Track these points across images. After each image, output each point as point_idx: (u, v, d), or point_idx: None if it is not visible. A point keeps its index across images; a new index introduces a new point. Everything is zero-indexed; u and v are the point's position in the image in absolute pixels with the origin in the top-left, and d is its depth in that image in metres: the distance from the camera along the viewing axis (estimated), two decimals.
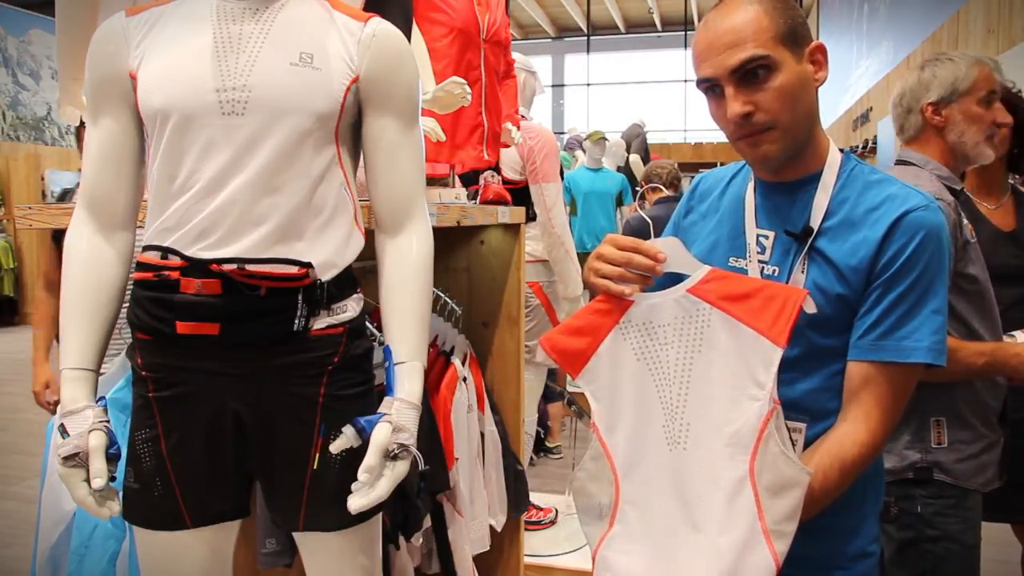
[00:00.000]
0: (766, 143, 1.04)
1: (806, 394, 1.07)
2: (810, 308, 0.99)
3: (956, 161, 1.60)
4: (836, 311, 1.05)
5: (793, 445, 1.06)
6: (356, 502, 1.13)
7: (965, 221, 1.52)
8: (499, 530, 2.10)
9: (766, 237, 1.12)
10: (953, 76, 1.57)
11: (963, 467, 1.50)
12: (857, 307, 1.04)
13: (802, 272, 1.06)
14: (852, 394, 1.04)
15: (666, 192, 3.80)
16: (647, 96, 14.57)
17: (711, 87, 1.05)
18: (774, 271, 1.10)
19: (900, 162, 1.64)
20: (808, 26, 1.07)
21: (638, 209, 4.03)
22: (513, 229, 2.16)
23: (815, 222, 1.06)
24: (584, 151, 5.56)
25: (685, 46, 14.00)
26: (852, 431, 1.02)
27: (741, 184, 1.19)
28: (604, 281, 1.06)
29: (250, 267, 1.13)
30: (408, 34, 1.75)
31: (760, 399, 0.96)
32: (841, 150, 1.12)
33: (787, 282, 1.08)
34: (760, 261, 1.11)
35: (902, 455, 1.52)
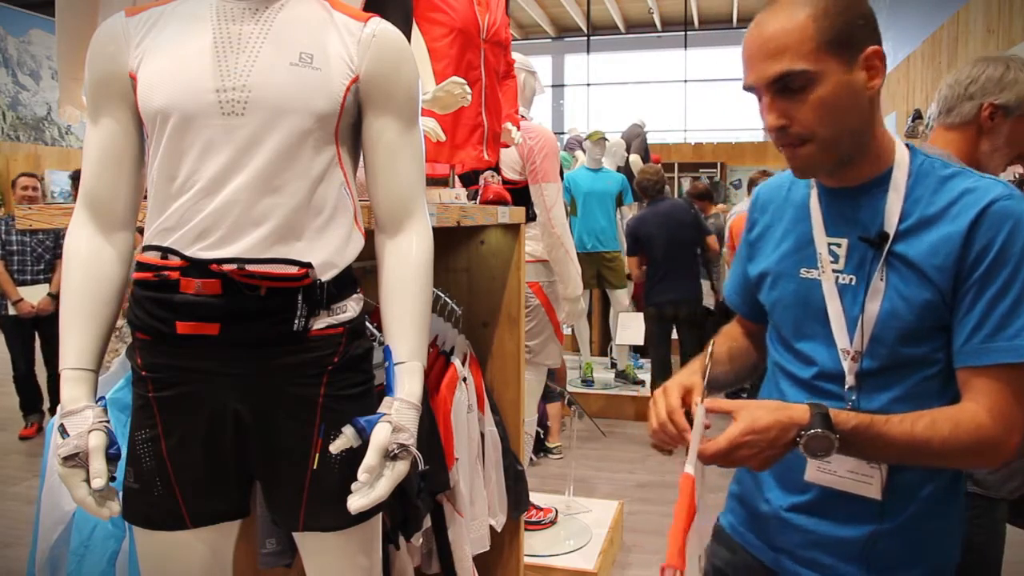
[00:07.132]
0: (802, 156, 1.01)
1: (889, 403, 1.03)
2: None
3: (974, 168, 1.51)
4: (921, 320, 1.00)
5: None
6: (356, 502, 1.13)
7: None
8: (499, 530, 2.10)
9: (838, 245, 1.06)
10: None
11: (993, 477, 1.43)
12: (944, 313, 0.99)
13: (881, 280, 1.01)
14: (968, 398, 0.99)
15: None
16: (647, 96, 14.54)
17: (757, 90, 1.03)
18: (850, 280, 1.05)
19: None
20: (872, 26, 0.99)
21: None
22: (513, 229, 2.16)
23: (890, 226, 1.01)
24: (584, 151, 5.55)
25: (685, 46, 13.98)
26: (973, 408, 0.97)
27: (803, 189, 1.14)
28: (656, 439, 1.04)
29: (250, 267, 1.13)
30: (408, 34, 1.75)
31: None
32: (907, 145, 1.06)
33: (866, 291, 1.03)
34: (834, 271, 1.06)
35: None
